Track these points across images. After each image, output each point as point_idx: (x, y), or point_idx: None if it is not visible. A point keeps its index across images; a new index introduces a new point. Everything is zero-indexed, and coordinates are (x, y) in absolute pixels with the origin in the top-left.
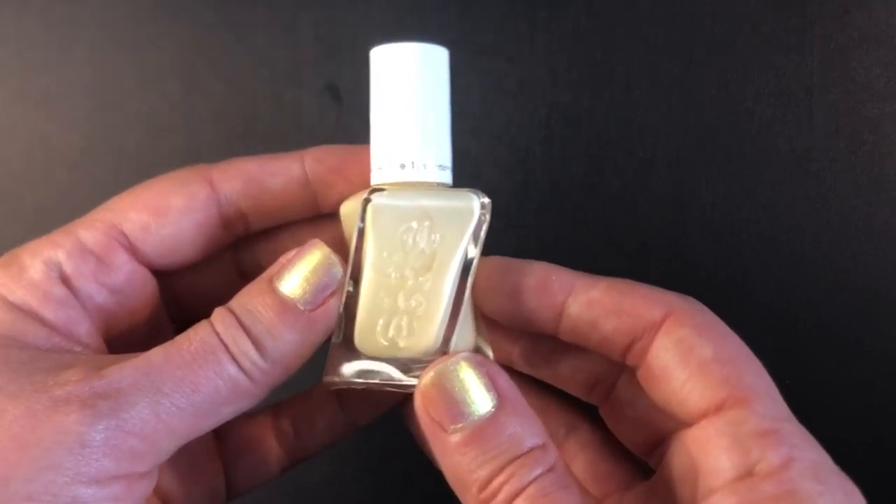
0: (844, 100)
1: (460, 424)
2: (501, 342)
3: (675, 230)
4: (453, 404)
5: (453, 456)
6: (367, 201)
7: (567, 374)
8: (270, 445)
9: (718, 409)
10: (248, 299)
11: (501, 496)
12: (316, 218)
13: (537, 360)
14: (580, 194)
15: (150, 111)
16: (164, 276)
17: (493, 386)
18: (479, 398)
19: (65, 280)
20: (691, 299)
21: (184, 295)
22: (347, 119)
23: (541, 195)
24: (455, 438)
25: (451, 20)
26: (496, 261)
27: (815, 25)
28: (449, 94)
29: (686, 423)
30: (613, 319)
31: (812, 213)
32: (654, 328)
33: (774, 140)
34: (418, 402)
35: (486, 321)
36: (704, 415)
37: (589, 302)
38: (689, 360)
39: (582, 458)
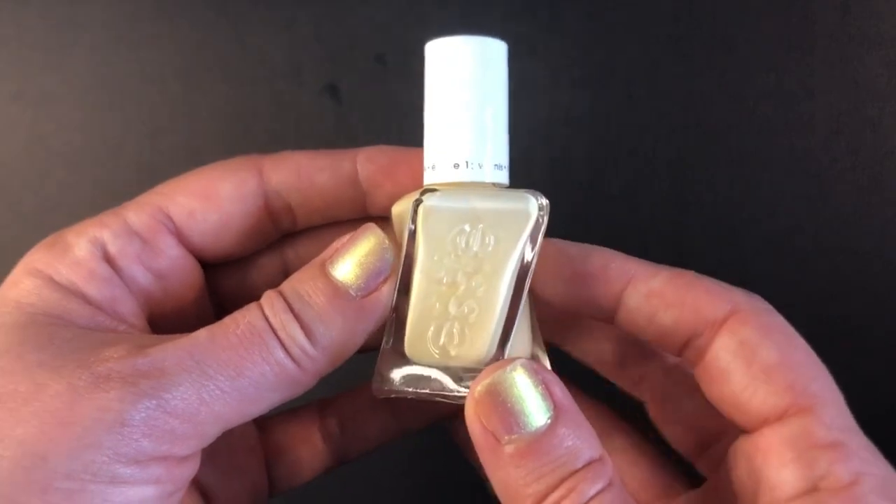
0: (845, 100)
1: (515, 435)
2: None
3: (675, 230)
4: (508, 414)
5: (507, 468)
6: (418, 202)
7: (616, 363)
8: (316, 444)
9: (781, 416)
10: (300, 283)
11: None
12: (365, 220)
13: (588, 344)
14: (580, 194)
15: (150, 111)
16: (211, 270)
17: (549, 395)
18: (536, 408)
19: (109, 260)
20: (757, 297)
21: (230, 294)
22: (347, 119)
23: None
24: (510, 450)
25: (452, 20)
26: (554, 244)
27: (816, 25)
28: (507, 90)
29: (744, 429)
30: (673, 313)
31: (812, 213)
32: (716, 326)
33: (774, 140)
34: (470, 411)
35: (545, 310)
36: (766, 422)
37: (649, 293)
38: (753, 363)
39: (618, 466)
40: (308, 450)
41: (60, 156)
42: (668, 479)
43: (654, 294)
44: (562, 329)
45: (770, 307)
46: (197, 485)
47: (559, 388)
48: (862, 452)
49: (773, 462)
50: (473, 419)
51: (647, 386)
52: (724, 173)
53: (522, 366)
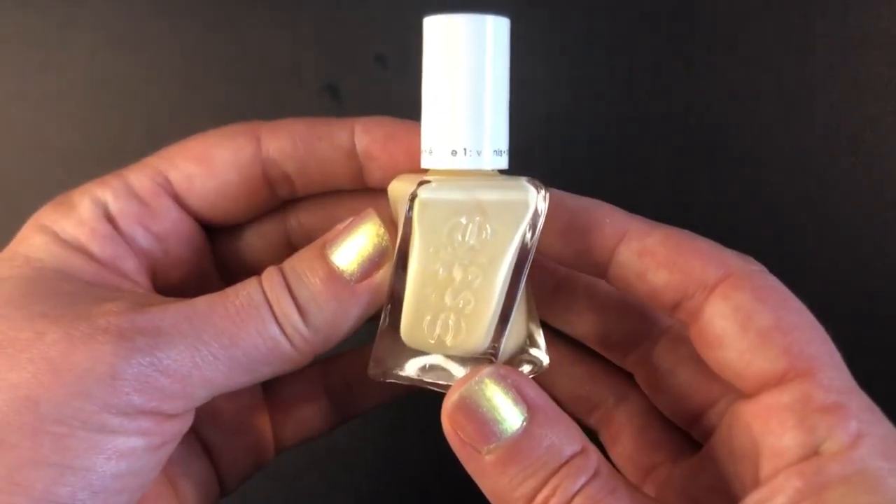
0: (845, 99)
1: (493, 445)
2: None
3: None
4: (482, 425)
5: (491, 477)
6: (413, 196)
7: (601, 335)
8: (321, 403)
9: (780, 381)
10: (300, 263)
11: None
12: (367, 189)
13: (571, 317)
14: (580, 194)
15: (150, 111)
16: (215, 234)
17: (521, 398)
18: (509, 414)
19: (110, 220)
20: (750, 259)
21: (233, 259)
22: None
23: None
24: (490, 459)
25: None
26: (552, 195)
27: (816, 25)
28: (508, 70)
29: (743, 395)
30: (664, 273)
31: (812, 212)
32: (708, 289)
33: (774, 140)
34: (446, 426)
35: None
36: (764, 387)
37: (641, 251)
38: (748, 329)
39: (630, 429)
40: (313, 408)
41: (60, 156)
42: (679, 442)
43: (646, 252)
44: (547, 301)
45: (764, 269)
46: (200, 441)
47: (531, 387)
48: (862, 413)
49: (774, 429)
50: (451, 433)
51: (634, 360)
52: (724, 173)
53: (489, 376)
